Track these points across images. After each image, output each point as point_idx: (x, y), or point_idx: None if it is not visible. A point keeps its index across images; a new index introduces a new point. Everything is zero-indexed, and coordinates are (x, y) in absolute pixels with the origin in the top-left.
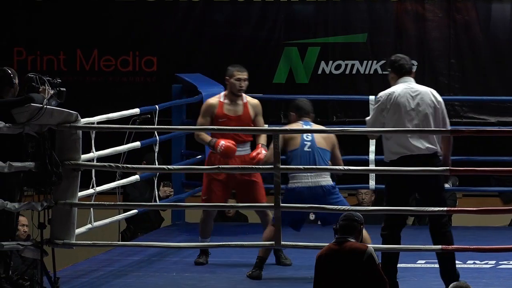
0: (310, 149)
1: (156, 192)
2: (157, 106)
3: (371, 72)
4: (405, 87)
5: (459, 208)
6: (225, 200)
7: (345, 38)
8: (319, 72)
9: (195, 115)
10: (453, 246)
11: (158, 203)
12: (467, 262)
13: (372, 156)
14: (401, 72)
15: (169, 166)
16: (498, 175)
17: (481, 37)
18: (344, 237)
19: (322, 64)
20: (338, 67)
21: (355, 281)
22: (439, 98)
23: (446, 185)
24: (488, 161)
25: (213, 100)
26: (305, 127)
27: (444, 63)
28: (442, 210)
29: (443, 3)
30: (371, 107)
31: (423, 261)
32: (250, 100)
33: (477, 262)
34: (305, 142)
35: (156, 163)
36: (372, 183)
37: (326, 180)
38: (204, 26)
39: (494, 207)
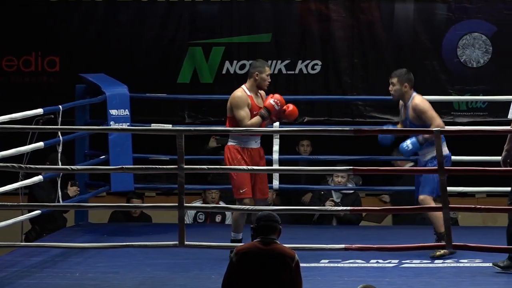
0: None
1: (60, 193)
2: (60, 106)
3: (276, 72)
4: None
5: (363, 208)
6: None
7: (249, 38)
8: (224, 72)
9: (99, 115)
10: (356, 246)
11: (61, 203)
12: (370, 261)
13: (275, 156)
14: None
15: (72, 167)
16: (401, 174)
17: (384, 37)
18: (271, 238)
19: (227, 64)
20: (242, 67)
21: (279, 284)
22: None
23: (349, 185)
24: (391, 161)
25: (241, 93)
26: None
27: (347, 63)
28: (346, 210)
29: (347, 3)
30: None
31: (327, 260)
32: (261, 92)
33: (380, 261)
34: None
35: (60, 163)
36: (275, 183)
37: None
38: (108, 26)
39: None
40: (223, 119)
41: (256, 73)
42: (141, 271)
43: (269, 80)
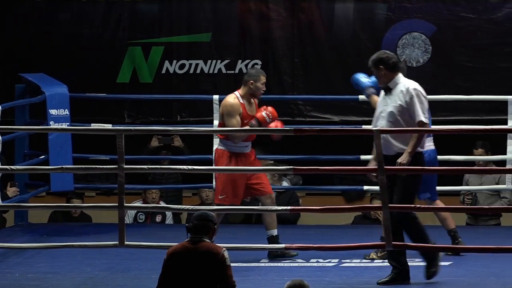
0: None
1: None
2: None
3: (215, 71)
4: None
5: (303, 207)
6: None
7: (189, 37)
8: (163, 71)
9: (38, 115)
10: (296, 245)
11: (1, 203)
12: (310, 261)
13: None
14: (396, 69)
15: (12, 167)
16: (341, 173)
17: (325, 36)
18: (199, 236)
19: (166, 63)
20: (182, 66)
21: (207, 281)
22: None
23: (285, 184)
24: (331, 160)
25: (234, 100)
26: None
27: (288, 63)
28: (286, 209)
29: (287, 3)
30: (215, 106)
31: (267, 260)
32: (255, 100)
33: (321, 260)
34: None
35: None
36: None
37: None
38: (48, 25)
39: (338, 205)
40: (162, 118)
41: (251, 81)
42: (81, 271)
43: (264, 89)
